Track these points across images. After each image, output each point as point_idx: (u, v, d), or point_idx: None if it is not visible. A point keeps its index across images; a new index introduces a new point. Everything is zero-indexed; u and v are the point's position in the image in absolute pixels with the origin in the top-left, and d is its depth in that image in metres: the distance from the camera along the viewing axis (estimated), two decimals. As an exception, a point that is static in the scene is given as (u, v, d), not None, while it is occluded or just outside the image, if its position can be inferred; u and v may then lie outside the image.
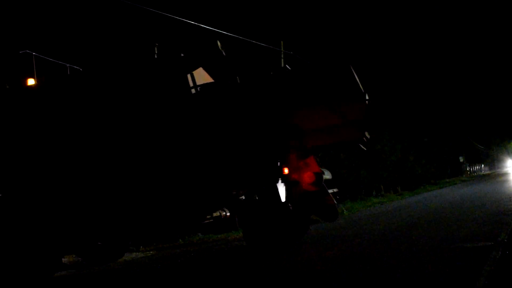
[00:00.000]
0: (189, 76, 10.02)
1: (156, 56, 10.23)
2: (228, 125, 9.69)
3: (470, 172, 74.53)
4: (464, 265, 7.20)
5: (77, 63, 11.21)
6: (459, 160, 65.13)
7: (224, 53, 10.35)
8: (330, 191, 10.53)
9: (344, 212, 20.85)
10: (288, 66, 10.54)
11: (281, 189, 9.64)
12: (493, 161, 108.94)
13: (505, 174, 60.57)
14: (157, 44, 10.53)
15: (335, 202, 10.26)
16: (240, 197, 10.25)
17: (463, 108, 68.94)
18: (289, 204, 9.51)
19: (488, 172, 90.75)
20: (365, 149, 10.83)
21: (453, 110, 62.70)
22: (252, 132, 9.65)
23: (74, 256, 12.03)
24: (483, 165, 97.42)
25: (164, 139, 9.68)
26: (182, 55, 10.16)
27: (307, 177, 9.57)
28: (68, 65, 10.96)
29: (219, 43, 10.31)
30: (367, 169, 30.84)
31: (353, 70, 9.42)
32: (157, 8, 11.85)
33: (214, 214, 10.13)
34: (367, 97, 9.34)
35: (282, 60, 16.84)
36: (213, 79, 10.45)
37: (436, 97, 56.99)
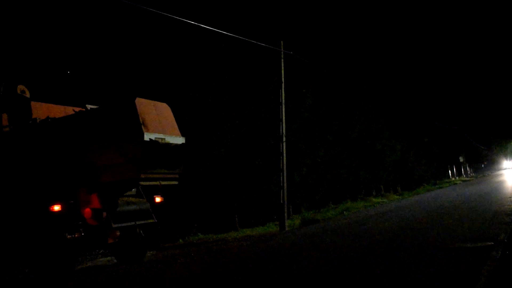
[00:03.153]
0: (5, 115, 10.87)
1: (1, 94, 10.99)
2: (18, 165, 10.38)
3: (470, 172, 74.49)
4: (464, 265, 7.20)
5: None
6: (459, 160, 65.06)
7: (27, 95, 11.04)
8: (142, 222, 10.30)
9: (344, 213, 20.90)
10: (90, 106, 10.84)
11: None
12: (493, 161, 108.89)
13: (505, 174, 60.60)
14: (3, 83, 11.02)
15: (117, 239, 10.42)
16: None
17: (463, 108, 69.00)
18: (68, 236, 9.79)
19: (488, 172, 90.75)
20: (176, 183, 10.57)
21: (453, 110, 62.76)
22: (36, 172, 10.18)
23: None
24: (483, 165, 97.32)
25: None
26: None
27: (86, 213, 9.81)
28: None
29: (19, 88, 10.89)
30: (367, 169, 30.86)
31: (138, 111, 9.35)
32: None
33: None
34: (146, 138, 9.25)
35: (282, 60, 16.82)
36: (15, 121, 10.93)
37: (436, 97, 57.07)
